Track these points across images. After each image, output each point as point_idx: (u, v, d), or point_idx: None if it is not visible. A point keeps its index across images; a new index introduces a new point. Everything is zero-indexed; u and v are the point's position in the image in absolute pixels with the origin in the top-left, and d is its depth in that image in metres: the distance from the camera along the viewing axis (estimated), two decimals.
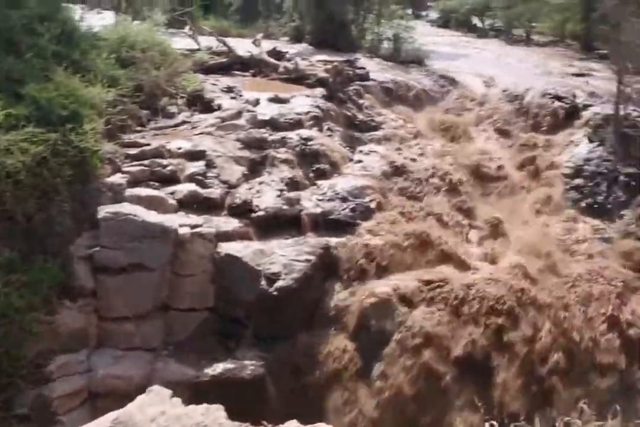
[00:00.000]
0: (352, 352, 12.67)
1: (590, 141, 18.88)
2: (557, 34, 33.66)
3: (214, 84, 19.35)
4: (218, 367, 12.08)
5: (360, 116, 19.61)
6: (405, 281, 13.56)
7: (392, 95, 21.57)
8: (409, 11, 34.73)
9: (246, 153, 15.63)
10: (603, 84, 22.11)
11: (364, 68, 22.70)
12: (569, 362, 12.96)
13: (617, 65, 20.05)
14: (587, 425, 5.56)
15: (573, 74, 25.06)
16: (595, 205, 17.11)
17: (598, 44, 29.22)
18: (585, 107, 20.57)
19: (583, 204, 17.18)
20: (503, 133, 19.84)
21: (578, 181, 17.71)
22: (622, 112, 19.13)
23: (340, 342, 12.75)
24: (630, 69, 20.02)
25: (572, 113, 20.27)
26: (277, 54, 23.45)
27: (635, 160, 17.94)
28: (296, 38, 28.13)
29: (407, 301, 13.23)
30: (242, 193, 14.39)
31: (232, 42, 23.27)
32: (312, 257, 13.41)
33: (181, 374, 11.89)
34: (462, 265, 14.05)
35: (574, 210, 16.93)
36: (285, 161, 15.89)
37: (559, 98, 20.87)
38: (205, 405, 5.54)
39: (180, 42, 21.89)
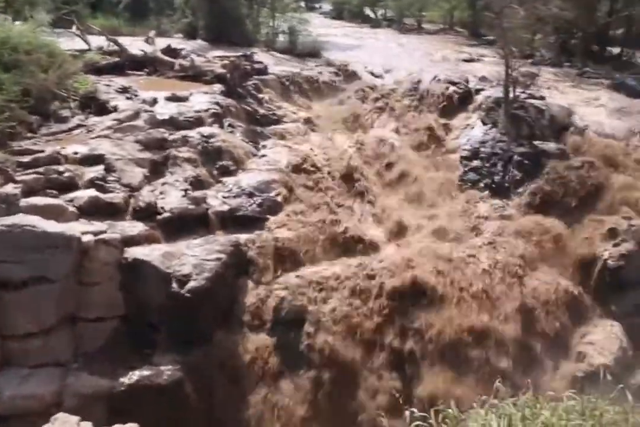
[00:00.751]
0: (270, 348, 12.69)
1: (484, 124, 19.66)
2: (446, 22, 34.86)
3: (107, 85, 18.69)
4: (134, 375, 11.77)
5: (261, 111, 19.53)
6: (319, 271, 13.69)
7: (291, 88, 21.61)
8: (302, 4, 34.91)
9: (147, 154, 15.22)
10: (492, 68, 23.01)
11: (261, 62, 22.58)
12: (477, 340, 13.48)
13: (503, 50, 20.84)
14: (502, 402, 5.72)
15: (464, 60, 26.01)
16: (494, 185, 17.82)
17: (485, 30, 30.43)
18: (478, 91, 21.39)
19: (482, 185, 17.86)
20: (401, 120, 20.24)
21: (476, 163, 18.39)
22: (511, 95, 19.99)
23: (257, 339, 12.76)
24: (515, 53, 20.93)
25: (465, 97, 20.99)
26: (171, 52, 22.91)
27: (526, 139, 18.84)
28: (190, 34, 27.59)
29: (322, 291, 13.36)
30: (146, 195, 14.01)
31: (123, 40, 22.53)
32: (222, 256, 13.26)
33: (95, 386, 11.48)
34: (372, 251, 14.34)
35: (474, 190, 17.60)
36: (188, 160, 15.60)
37: (452, 83, 21.52)
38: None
39: (69, 42, 20.97)
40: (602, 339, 14.54)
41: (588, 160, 17.85)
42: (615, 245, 16.05)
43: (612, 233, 16.30)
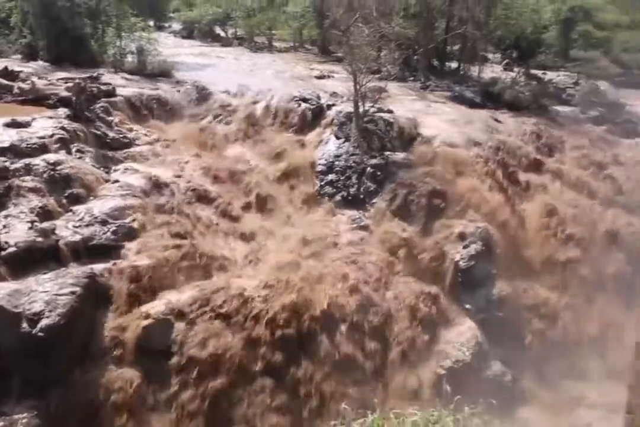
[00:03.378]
0: (135, 379, 12.16)
1: (337, 138, 20.29)
2: (296, 40, 35.66)
3: None
4: None
5: (112, 134, 18.84)
6: (181, 297, 13.37)
7: (143, 110, 21.06)
8: (151, 23, 34.27)
9: None
10: (342, 84, 23.78)
11: (109, 84, 21.82)
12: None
13: (351, 66, 21.62)
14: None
15: (315, 77, 26.69)
16: (350, 197, 18.40)
17: (333, 47, 31.45)
18: (329, 106, 22.02)
19: (338, 198, 18.37)
20: (256, 138, 20.39)
21: (331, 176, 18.91)
22: (361, 109, 20.79)
23: (120, 372, 12.19)
24: (363, 69, 21.79)
25: (318, 113, 21.55)
26: (9, 74, 21.52)
27: (377, 151, 19.64)
28: (30, 55, 26.02)
29: (184, 317, 13.04)
30: None
31: None
32: (77, 289, 12.61)
33: None
34: (233, 273, 14.23)
35: (331, 204, 18.06)
36: (32, 190, 14.73)
37: (305, 100, 22.02)
38: None
39: None
40: (459, 336, 15.41)
41: (435, 169, 18.91)
42: (465, 247, 17.13)
43: (461, 236, 17.39)
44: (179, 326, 12.87)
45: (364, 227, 17.19)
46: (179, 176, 17.34)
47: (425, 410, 5.42)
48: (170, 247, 14.23)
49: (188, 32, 36.81)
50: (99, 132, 18.62)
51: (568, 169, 21.82)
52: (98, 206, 14.99)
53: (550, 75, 31.07)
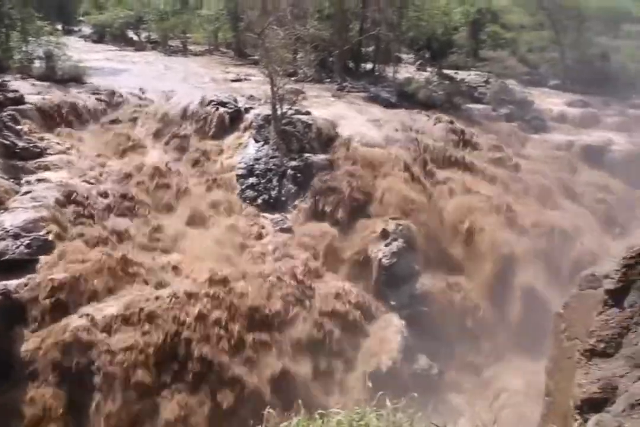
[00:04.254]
0: (54, 398, 11.74)
1: (256, 141, 20.27)
2: (211, 43, 35.33)
3: None
4: None
5: (21, 143, 18.10)
6: (101, 309, 13.01)
7: (54, 117, 20.31)
8: (59, 27, 33.10)
9: None
10: (260, 87, 23.78)
11: (17, 91, 20.91)
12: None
13: (267, 69, 21.64)
14: None
15: (232, 80, 26.55)
16: (271, 200, 18.43)
17: (249, 50, 31.38)
18: (247, 110, 21.96)
19: (260, 201, 18.37)
20: (174, 143, 20.09)
21: (252, 180, 18.87)
22: (279, 112, 20.84)
23: (39, 390, 11.75)
24: (279, 71, 21.85)
25: (236, 117, 21.44)
26: None
27: (296, 153, 19.76)
28: None
29: (106, 329, 12.72)
30: None
31: None
32: None
33: None
34: (154, 282, 13.98)
35: (253, 207, 18.04)
36: None
37: (222, 104, 21.85)
38: None
39: None
40: (386, 332, 15.70)
41: (354, 169, 19.21)
42: (387, 244, 17.47)
43: (383, 234, 17.73)
44: (100, 338, 12.52)
45: (287, 230, 17.26)
46: (95, 184, 16.87)
47: (350, 409, 5.51)
48: (88, 258, 13.82)
49: (99, 36, 35.73)
50: (7, 142, 17.84)
51: (482, 164, 22.62)
52: (9, 219, 14.39)
53: (462, 74, 32.13)
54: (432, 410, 7.17)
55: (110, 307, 13.08)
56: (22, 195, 15.70)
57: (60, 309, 12.97)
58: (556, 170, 24.22)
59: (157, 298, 13.35)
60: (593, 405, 5.83)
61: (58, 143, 18.73)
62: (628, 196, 23.70)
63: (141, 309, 13.06)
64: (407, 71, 31.72)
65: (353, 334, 15.37)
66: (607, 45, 38.64)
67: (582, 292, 6.75)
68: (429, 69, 32.43)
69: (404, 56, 35.39)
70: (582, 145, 26.81)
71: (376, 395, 5.62)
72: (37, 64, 24.94)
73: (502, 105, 29.32)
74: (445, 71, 31.35)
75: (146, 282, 14.01)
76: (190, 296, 13.56)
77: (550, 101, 31.99)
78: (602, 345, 6.07)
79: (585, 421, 5.83)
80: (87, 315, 12.82)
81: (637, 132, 29.23)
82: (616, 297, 6.11)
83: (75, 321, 12.69)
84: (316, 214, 17.87)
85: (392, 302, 16.85)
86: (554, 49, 38.46)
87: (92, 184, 16.68)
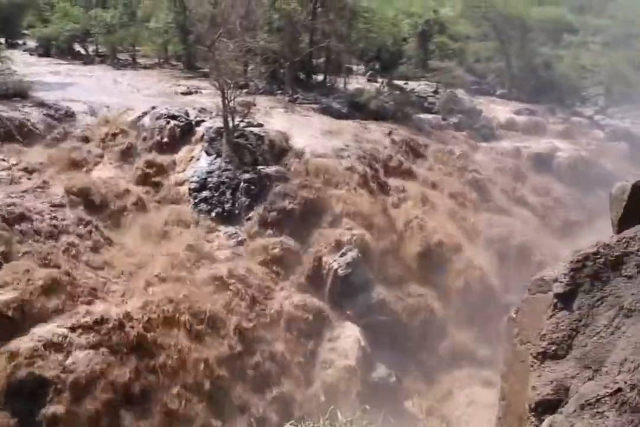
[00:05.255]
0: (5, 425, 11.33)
1: (208, 154, 20.09)
2: (161, 56, 34.97)
3: None
4: None
5: None
6: (52, 329, 12.63)
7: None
8: (2, 40, 32.31)
9: None
10: (211, 100, 23.62)
11: None
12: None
13: (218, 81, 21.51)
14: None
15: (182, 93, 26.33)
16: (225, 213, 18.26)
17: (199, 63, 31.19)
18: (199, 123, 21.78)
19: (213, 214, 18.19)
20: (123, 159, 19.76)
21: (205, 193, 18.68)
22: (231, 124, 20.72)
23: None
24: (230, 84, 21.76)
25: (187, 130, 21.22)
26: None
27: (249, 166, 19.68)
28: None
29: (60, 348, 12.36)
30: None
31: None
32: None
33: None
34: (105, 300, 13.67)
35: (207, 221, 17.84)
36: None
37: (173, 117, 21.61)
38: None
39: None
40: (343, 342, 15.72)
41: (307, 180, 19.25)
42: (342, 255, 17.53)
43: (338, 244, 17.79)
44: (53, 360, 12.15)
45: (240, 242, 17.15)
46: (43, 202, 16.42)
47: (303, 423, 5.46)
48: (38, 277, 13.41)
49: (45, 50, 34.89)
50: None
51: (432, 173, 22.98)
52: None
53: (411, 84, 32.67)
54: (386, 420, 7.18)
55: (60, 327, 12.71)
56: None
57: (7, 331, 12.53)
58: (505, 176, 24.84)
59: (109, 315, 13.05)
60: (547, 407, 5.89)
61: (3, 159, 18.20)
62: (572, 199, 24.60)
63: (95, 327, 12.74)
64: (357, 82, 32.08)
65: (308, 345, 15.32)
66: (550, 55, 39.98)
67: (532, 296, 6.85)
68: (379, 79, 32.86)
69: (354, 67, 35.75)
70: (530, 153, 27.57)
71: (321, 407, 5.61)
72: None
73: (452, 115, 29.92)
74: (396, 82, 31.80)
75: (96, 300, 13.67)
76: (142, 310, 13.33)
77: (498, 109, 32.79)
78: (553, 347, 6.16)
79: (540, 422, 5.92)
80: (38, 335, 12.43)
81: (581, 139, 30.29)
82: (565, 300, 6.21)
83: (25, 342, 12.33)
84: (270, 226, 17.80)
85: (349, 312, 16.89)
86: (500, 59, 39.58)
87: (39, 201, 16.20)
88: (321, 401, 13.31)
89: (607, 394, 5.21)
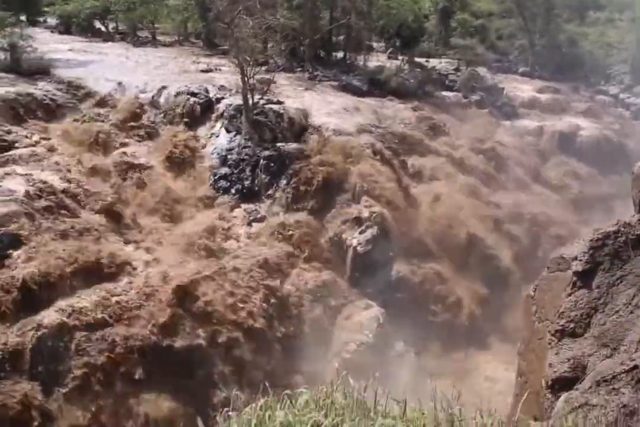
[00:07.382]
0: (30, 392, 11.63)
1: (228, 131, 20.13)
2: (180, 34, 34.84)
3: None
4: None
5: None
6: (76, 303, 12.89)
7: (21, 110, 19.88)
8: (23, 18, 32.36)
9: None
10: (230, 77, 23.57)
11: None
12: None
13: (237, 59, 21.45)
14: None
15: (202, 70, 26.27)
16: (244, 190, 18.36)
17: (219, 40, 31.05)
18: (218, 100, 21.76)
19: (233, 191, 18.29)
20: (144, 135, 19.87)
21: (225, 170, 18.76)
22: (250, 102, 20.70)
23: (16, 387, 11.62)
24: (250, 61, 21.70)
25: (207, 107, 21.25)
26: None
27: (269, 143, 19.70)
28: None
29: (82, 323, 12.62)
30: None
31: None
32: None
33: None
34: (129, 274, 13.91)
35: (226, 197, 17.95)
36: None
37: (193, 94, 21.64)
38: None
39: None
40: (362, 319, 15.85)
41: (327, 157, 19.22)
42: (362, 232, 17.58)
43: (358, 222, 17.83)
44: (76, 333, 12.42)
45: (260, 219, 17.25)
46: (65, 178, 16.62)
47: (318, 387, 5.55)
48: (61, 252, 13.65)
49: (65, 28, 34.93)
50: None
51: (454, 150, 22.81)
52: None
53: (432, 62, 32.27)
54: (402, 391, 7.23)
55: (85, 300, 12.97)
56: None
57: (32, 304, 12.84)
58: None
59: (134, 289, 13.34)
60: (564, 384, 5.95)
61: (26, 136, 18.40)
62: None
63: (118, 301, 13.01)
64: (378, 59, 31.73)
65: (328, 321, 15.47)
66: (575, 32, 39.16)
67: (551, 274, 6.87)
68: (400, 57, 32.47)
69: (375, 44, 35.34)
70: (552, 131, 27.24)
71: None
72: (1, 55, 24.41)
73: (473, 93, 29.58)
74: (416, 59, 31.43)
75: (121, 274, 13.93)
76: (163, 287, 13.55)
77: (520, 87, 32.33)
78: (571, 325, 6.20)
79: (556, 399, 5.96)
80: (62, 308, 12.69)
81: (605, 118, 29.81)
82: (584, 278, 6.24)
83: (51, 315, 12.59)
84: (290, 204, 17.87)
85: (368, 289, 17.01)
86: (523, 36, 38.87)
87: (62, 177, 16.41)
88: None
89: (623, 371, 5.26)
